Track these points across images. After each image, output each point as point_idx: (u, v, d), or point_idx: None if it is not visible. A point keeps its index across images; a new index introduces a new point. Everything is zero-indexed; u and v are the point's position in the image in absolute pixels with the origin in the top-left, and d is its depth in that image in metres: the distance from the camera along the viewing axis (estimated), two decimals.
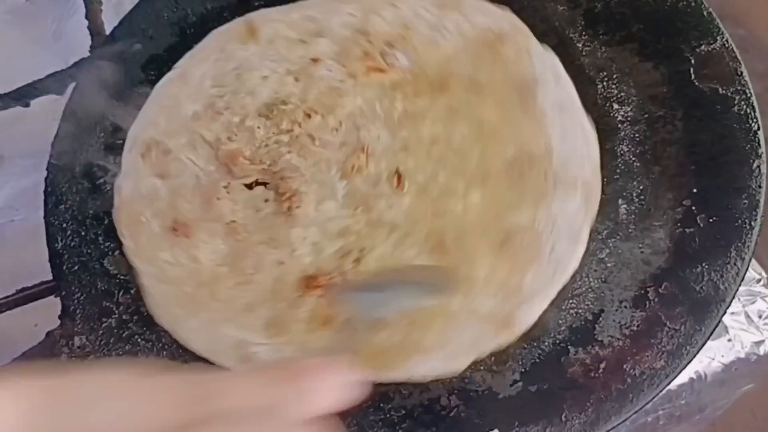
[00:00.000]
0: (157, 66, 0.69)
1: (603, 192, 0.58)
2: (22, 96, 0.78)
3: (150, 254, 0.58)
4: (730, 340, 0.59)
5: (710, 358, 0.59)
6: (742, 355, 0.59)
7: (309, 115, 0.60)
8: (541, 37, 0.65)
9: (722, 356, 0.59)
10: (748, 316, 0.60)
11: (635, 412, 0.49)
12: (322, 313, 0.54)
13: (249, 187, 0.59)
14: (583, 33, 0.65)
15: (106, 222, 0.61)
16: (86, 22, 0.82)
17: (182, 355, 0.55)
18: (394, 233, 0.56)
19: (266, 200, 0.59)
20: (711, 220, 0.55)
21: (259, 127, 0.60)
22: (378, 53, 0.61)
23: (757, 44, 0.63)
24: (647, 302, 0.53)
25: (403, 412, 0.52)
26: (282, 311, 0.55)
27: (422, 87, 0.59)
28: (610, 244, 0.56)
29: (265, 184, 0.59)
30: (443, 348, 0.52)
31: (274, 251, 0.57)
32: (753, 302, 0.60)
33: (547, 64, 0.61)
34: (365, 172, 0.58)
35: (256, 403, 0.31)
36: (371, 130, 0.59)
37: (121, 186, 0.62)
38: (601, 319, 0.54)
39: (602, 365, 0.51)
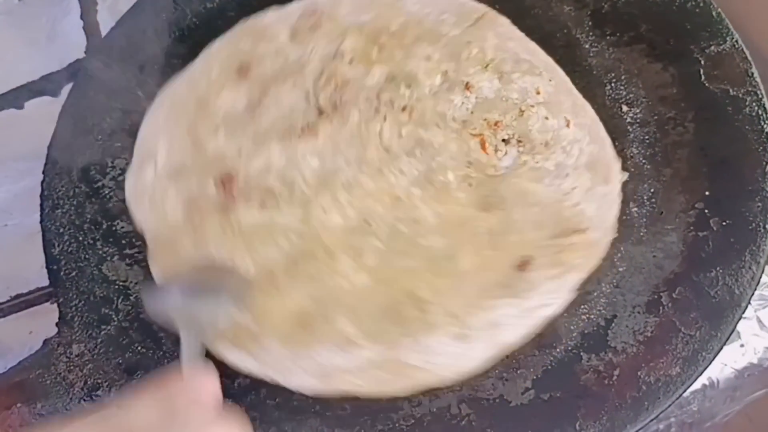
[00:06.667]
0: (155, 67, 0.67)
1: None
2: (16, 98, 0.77)
3: None
4: (742, 346, 0.58)
5: (723, 363, 0.58)
6: (755, 361, 0.58)
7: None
8: (548, 38, 0.64)
9: (735, 362, 0.58)
10: (760, 321, 0.59)
11: (651, 420, 0.48)
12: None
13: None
14: (591, 34, 0.65)
15: (104, 227, 0.60)
16: (81, 23, 0.80)
17: None
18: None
19: (304, 111, 0.61)
20: (724, 224, 0.54)
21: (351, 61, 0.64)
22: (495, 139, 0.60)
23: (752, 50, 0.62)
24: (661, 307, 0.52)
25: (413, 421, 0.51)
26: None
27: (481, 192, 0.58)
28: (622, 248, 0.55)
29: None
30: None
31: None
32: (765, 307, 0.59)
33: None
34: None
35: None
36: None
37: None
38: (613, 324, 0.53)
39: (616, 372, 0.50)
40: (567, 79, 0.62)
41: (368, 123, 0.61)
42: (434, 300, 0.53)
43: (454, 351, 0.52)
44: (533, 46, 0.63)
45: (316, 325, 0.53)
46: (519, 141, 0.59)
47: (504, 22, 0.64)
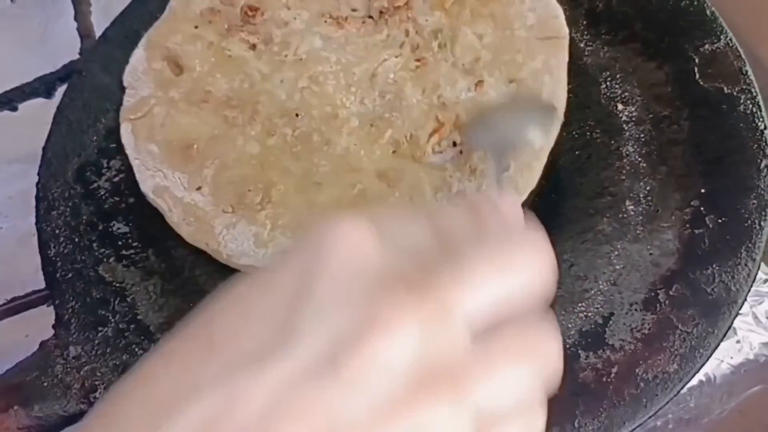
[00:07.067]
0: None
1: (610, 193, 0.58)
2: (10, 100, 0.77)
3: None
4: (738, 342, 0.59)
5: (719, 360, 0.58)
6: (751, 357, 0.59)
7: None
8: None
9: (731, 358, 0.58)
10: (756, 317, 0.59)
11: (649, 417, 0.48)
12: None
13: None
14: (585, 32, 0.65)
15: (100, 228, 0.60)
16: (75, 24, 0.80)
17: None
18: None
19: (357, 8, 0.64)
20: (720, 221, 0.54)
21: None
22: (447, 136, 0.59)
23: (746, 48, 0.62)
24: (658, 305, 0.52)
25: None
26: None
27: (393, 163, 0.58)
28: (618, 246, 0.55)
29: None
30: None
31: None
32: (761, 303, 0.60)
33: None
34: None
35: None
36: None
37: None
38: (611, 322, 0.53)
39: (614, 370, 0.50)
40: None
41: (385, 47, 0.62)
42: (278, 205, 0.56)
43: (247, 251, 0.55)
44: (563, 95, 0.60)
45: (191, 158, 0.58)
46: (461, 152, 0.58)
47: (562, 56, 0.60)
